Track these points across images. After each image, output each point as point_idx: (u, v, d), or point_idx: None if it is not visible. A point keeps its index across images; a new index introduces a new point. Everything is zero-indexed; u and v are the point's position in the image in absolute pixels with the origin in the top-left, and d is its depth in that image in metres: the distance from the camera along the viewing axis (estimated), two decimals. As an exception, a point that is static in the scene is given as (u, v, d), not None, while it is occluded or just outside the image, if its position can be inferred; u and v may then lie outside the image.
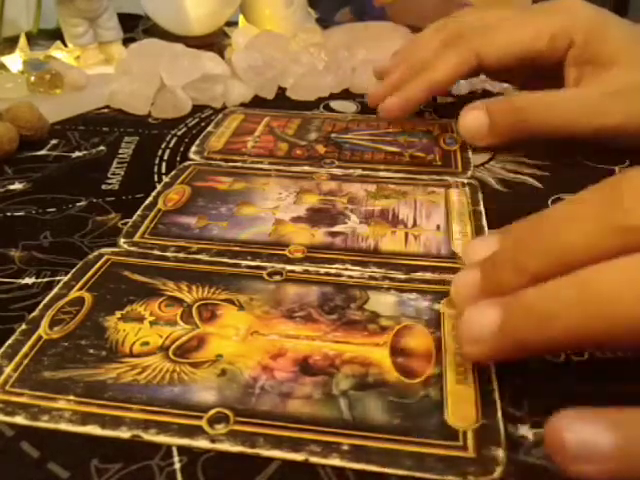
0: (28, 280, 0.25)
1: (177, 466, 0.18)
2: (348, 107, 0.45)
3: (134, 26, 0.62)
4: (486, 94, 0.46)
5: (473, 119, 0.36)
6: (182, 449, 0.18)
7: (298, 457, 0.18)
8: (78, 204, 0.31)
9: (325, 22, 0.59)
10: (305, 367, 0.21)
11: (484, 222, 0.29)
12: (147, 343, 0.22)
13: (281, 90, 0.47)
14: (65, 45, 0.51)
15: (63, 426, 0.18)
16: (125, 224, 0.29)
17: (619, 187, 0.18)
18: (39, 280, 0.25)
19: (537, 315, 0.18)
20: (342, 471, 0.17)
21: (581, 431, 0.15)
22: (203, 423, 0.18)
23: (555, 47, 0.36)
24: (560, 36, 0.35)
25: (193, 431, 0.18)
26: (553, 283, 0.18)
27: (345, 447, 0.18)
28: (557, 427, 0.16)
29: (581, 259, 0.18)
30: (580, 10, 0.36)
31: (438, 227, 0.29)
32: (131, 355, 0.21)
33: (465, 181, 0.33)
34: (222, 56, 0.49)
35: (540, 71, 0.38)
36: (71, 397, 0.19)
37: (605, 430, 0.15)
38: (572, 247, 0.18)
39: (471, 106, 0.36)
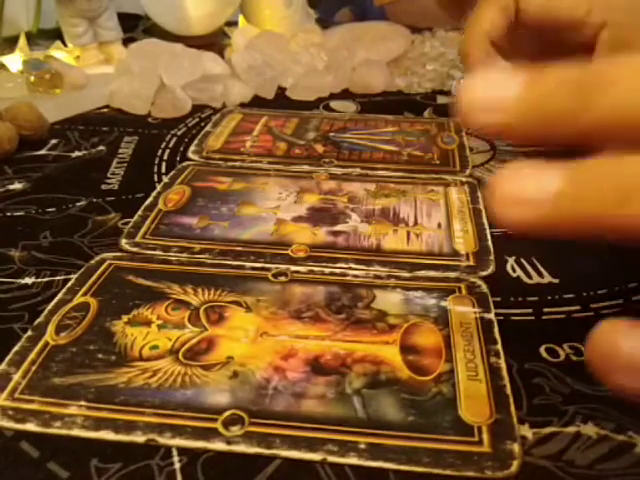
0: (28, 280, 0.25)
1: (177, 466, 0.18)
2: (348, 107, 0.45)
3: (134, 26, 0.62)
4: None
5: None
6: (182, 449, 0.18)
7: (316, 457, 0.18)
8: (78, 204, 0.31)
9: (325, 22, 0.59)
10: (317, 367, 0.21)
11: (484, 220, 0.29)
12: (156, 347, 0.21)
13: (281, 90, 0.47)
14: (65, 45, 0.51)
15: (76, 432, 0.18)
16: (125, 224, 0.29)
17: None
18: (39, 280, 0.25)
19: (615, 189, 0.14)
20: (342, 469, 0.17)
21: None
22: (218, 425, 0.18)
23: (589, 22, 0.33)
24: (595, 11, 0.33)
25: (208, 433, 0.18)
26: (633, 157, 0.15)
27: (362, 446, 0.18)
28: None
29: None
30: None
31: (439, 225, 0.29)
32: (141, 359, 0.21)
33: (464, 180, 0.33)
34: (222, 56, 0.49)
35: (560, 48, 0.36)
36: (82, 402, 0.19)
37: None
38: None
39: None
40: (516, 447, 0.18)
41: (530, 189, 0.15)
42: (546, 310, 0.24)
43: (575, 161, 0.15)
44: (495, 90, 0.16)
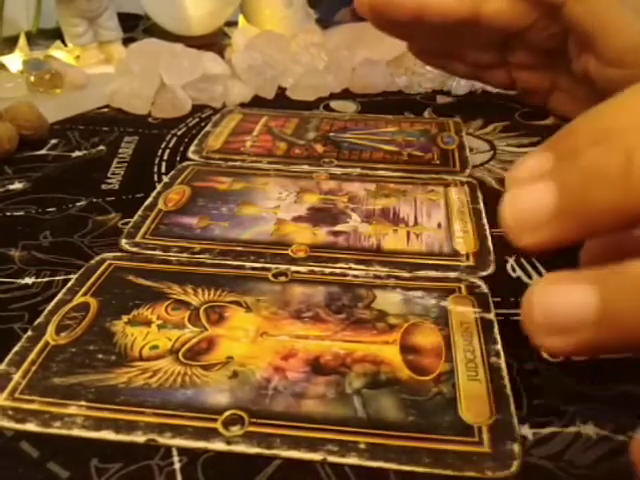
0: (28, 280, 0.25)
1: (177, 466, 0.18)
2: (348, 107, 0.45)
3: (134, 26, 0.62)
4: (486, 94, 0.46)
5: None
6: (182, 449, 0.18)
7: (316, 457, 0.18)
8: (78, 204, 0.31)
9: (325, 22, 0.59)
10: (317, 367, 0.21)
11: (484, 220, 0.29)
12: (156, 346, 0.21)
13: (281, 90, 0.47)
14: (65, 45, 0.51)
15: (76, 432, 0.18)
16: (125, 224, 0.29)
17: None
18: (39, 280, 0.25)
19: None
20: (342, 469, 0.17)
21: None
22: (218, 425, 0.18)
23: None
24: None
25: (208, 434, 0.18)
26: None
27: (362, 446, 0.18)
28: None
29: None
30: None
31: (439, 225, 0.29)
32: (141, 359, 0.21)
33: (464, 180, 0.33)
34: (222, 56, 0.49)
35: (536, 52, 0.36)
36: (82, 402, 0.19)
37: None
38: None
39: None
40: (516, 447, 0.18)
41: (564, 317, 0.14)
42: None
43: (605, 269, 0.14)
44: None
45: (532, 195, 0.15)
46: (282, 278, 0.25)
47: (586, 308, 0.14)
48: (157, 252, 0.27)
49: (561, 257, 0.21)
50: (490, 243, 0.27)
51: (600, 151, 0.15)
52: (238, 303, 0.24)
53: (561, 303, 0.14)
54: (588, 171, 0.15)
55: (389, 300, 0.24)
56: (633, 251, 0.15)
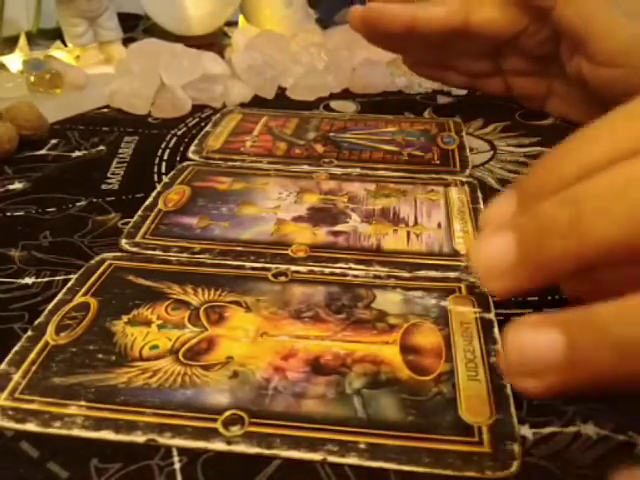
0: (28, 280, 0.25)
1: (177, 466, 0.18)
2: (348, 107, 0.45)
3: (134, 26, 0.62)
4: (486, 94, 0.46)
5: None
6: (182, 449, 0.18)
7: (316, 457, 0.18)
8: (78, 204, 0.31)
9: (325, 22, 0.59)
10: (317, 367, 0.21)
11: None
12: (156, 346, 0.21)
13: (281, 90, 0.47)
14: (65, 45, 0.51)
15: (76, 432, 0.18)
16: (125, 224, 0.29)
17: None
18: (39, 280, 0.25)
19: (612, 349, 0.14)
20: (342, 469, 0.17)
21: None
22: (218, 425, 0.18)
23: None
24: None
25: (209, 434, 0.18)
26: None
27: (362, 446, 0.18)
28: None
29: None
30: None
31: (439, 225, 0.29)
32: (141, 359, 0.21)
33: (464, 180, 0.33)
34: (222, 56, 0.49)
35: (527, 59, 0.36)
36: (82, 402, 0.19)
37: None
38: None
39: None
40: (516, 447, 0.18)
41: (534, 360, 0.15)
42: (546, 310, 0.24)
43: (572, 313, 0.15)
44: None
45: (494, 246, 0.17)
46: (282, 278, 0.25)
47: (554, 352, 0.15)
48: (157, 252, 0.27)
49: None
50: (490, 243, 0.27)
51: (552, 203, 0.16)
52: (238, 303, 0.24)
53: (531, 346, 0.15)
54: (541, 222, 0.16)
55: (389, 300, 0.24)
56: (609, 281, 0.16)
